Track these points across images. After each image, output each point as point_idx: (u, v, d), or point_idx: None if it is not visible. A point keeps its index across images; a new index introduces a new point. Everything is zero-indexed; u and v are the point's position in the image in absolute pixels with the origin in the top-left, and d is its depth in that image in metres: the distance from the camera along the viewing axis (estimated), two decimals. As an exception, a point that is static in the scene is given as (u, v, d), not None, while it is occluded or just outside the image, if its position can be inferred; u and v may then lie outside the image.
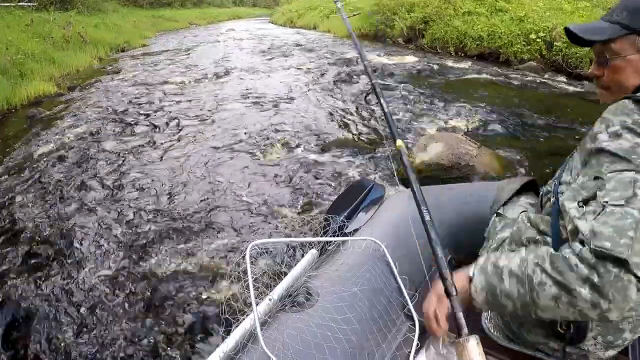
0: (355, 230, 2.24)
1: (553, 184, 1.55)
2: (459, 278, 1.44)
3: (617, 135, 1.19)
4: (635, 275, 1.09)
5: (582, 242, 1.17)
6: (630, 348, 1.70)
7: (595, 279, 1.11)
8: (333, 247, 2.13)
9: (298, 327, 1.63)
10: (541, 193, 1.74)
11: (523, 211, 1.81)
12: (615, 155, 1.18)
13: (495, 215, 1.96)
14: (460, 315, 1.35)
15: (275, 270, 3.44)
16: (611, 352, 1.49)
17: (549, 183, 1.65)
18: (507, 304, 1.31)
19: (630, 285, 1.09)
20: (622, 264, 1.09)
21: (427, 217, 1.60)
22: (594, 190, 1.21)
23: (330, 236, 2.16)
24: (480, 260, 1.44)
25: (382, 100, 2.10)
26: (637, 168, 1.14)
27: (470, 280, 1.42)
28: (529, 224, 1.63)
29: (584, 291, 1.13)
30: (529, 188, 2.06)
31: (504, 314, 1.49)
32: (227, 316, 1.67)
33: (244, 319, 1.66)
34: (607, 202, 1.16)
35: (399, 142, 1.88)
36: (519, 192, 2.01)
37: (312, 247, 2.06)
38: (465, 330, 1.32)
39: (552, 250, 1.26)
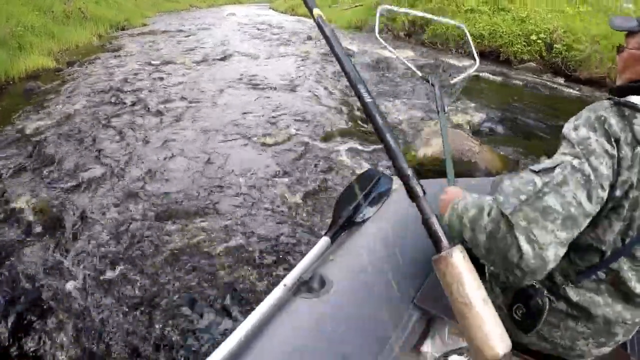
0: (364, 221, 2.26)
1: None
2: (451, 195, 1.54)
3: (577, 127, 1.26)
4: (517, 239, 1.15)
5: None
6: (629, 342, 1.75)
7: (488, 228, 1.22)
8: (345, 235, 2.15)
9: (312, 313, 1.66)
10: None
11: None
12: (569, 141, 1.25)
13: None
14: (434, 220, 1.12)
15: (289, 257, 3.51)
16: (606, 349, 1.53)
17: None
18: (457, 233, 1.38)
19: (512, 247, 1.16)
20: (510, 225, 1.16)
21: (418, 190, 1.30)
22: None
23: (341, 225, 2.19)
24: (455, 200, 1.46)
25: None
26: (576, 154, 1.21)
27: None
28: None
29: (482, 238, 1.24)
30: None
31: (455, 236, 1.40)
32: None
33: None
34: (530, 168, 1.26)
35: (316, 10, 1.58)
36: None
37: (324, 235, 2.09)
38: (444, 242, 1.10)
39: (485, 200, 1.32)
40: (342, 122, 6.86)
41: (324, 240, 2.04)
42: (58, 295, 3.25)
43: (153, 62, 11.26)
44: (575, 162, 1.19)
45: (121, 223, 4.12)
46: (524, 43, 11.55)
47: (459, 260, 1.04)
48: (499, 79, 9.99)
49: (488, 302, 0.99)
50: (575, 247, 1.30)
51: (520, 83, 9.68)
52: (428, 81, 2.56)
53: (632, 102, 1.23)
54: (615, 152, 1.20)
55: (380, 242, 2.07)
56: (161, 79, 9.53)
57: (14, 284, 3.37)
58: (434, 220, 1.10)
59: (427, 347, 1.89)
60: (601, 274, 1.36)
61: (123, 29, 18.15)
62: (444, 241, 1.09)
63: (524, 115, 7.32)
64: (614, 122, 1.21)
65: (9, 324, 2.98)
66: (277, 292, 1.73)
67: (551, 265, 1.15)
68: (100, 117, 7.03)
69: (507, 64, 11.49)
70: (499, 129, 6.58)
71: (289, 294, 1.76)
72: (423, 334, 1.91)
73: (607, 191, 1.20)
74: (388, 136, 1.22)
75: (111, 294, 3.27)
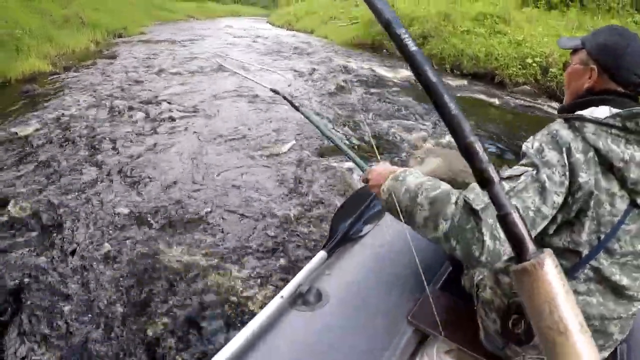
0: (361, 237, 2.29)
1: None
2: (382, 171, 1.60)
3: (533, 143, 1.40)
4: (483, 235, 1.23)
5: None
6: (619, 355, 1.78)
7: (456, 218, 1.27)
8: (341, 250, 2.17)
9: (308, 326, 1.68)
10: None
11: None
12: (527, 155, 1.39)
13: None
14: (516, 215, 0.80)
15: (285, 271, 3.51)
16: (605, 354, 1.62)
17: None
18: (396, 207, 1.45)
19: (477, 240, 1.24)
20: (479, 220, 1.24)
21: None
22: None
23: (338, 240, 2.20)
24: (399, 171, 1.54)
25: None
26: (534, 165, 1.34)
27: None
28: None
29: (444, 225, 1.29)
30: None
31: (395, 214, 1.50)
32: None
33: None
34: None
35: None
36: None
37: (321, 249, 2.10)
38: (530, 246, 0.79)
39: (448, 188, 1.40)
40: (341, 136, 6.87)
41: (321, 255, 2.06)
42: (51, 299, 3.23)
43: (149, 70, 11.29)
44: (534, 172, 1.33)
45: (115, 230, 4.11)
46: (520, 66, 11.62)
47: (551, 273, 0.78)
48: (493, 101, 10.05)
49: (585, 329, 0.77)
50: (555, 251, 1.37)
51: (515, 106, 9.75)
52: (277, 92, 2.75)
53: (579, 114, 1.40)
54: (565, 161, 1.33)
55: (376, 258, 2.10)
56: (156, 87, 9.55)
57: (5, 286, 3.35)
58: (515, 217, 0.81)
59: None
60: (589, 273, 1.44)
61: (120, 37, 18.21)
62: (530, 246, 0.79)
63: (516, 137, 7.36)
64: (564, 133, 1.37)
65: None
66: (274, 304, 1.75)
67: (505, 259, 1.26)
68: (94, 122, 7.03)
69: (501, 86, 11.55)
70: (493, 150, 6.63)
71: (285, 305, 1.78)
72: (415, 351, 1.92)
73: (562, 196, 1.33)
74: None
75: (104, 300, 3.25)
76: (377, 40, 17.45)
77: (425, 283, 2.05)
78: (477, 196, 1.28)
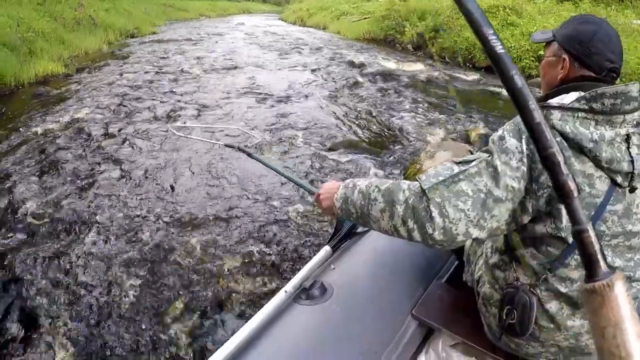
0: (366, 231, 2.29)
1: None
2: (332, 185, 1.70)
3: (498, 132, 1.45)
4: (431, 211, 1.32)
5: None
6: None
7: (410, 200, 1.37)
8: (346, 245, 2.17)
9: (311, 320, 1.68)
10: None
11: None
12: (490, 142, 1.45)
13: None
14: (591, 232, 0.81)
15: (289, 264, 3.51)
16: None
17: None
18: (352, 210, 1.56)
19: (428, 219, 1.33)
20: (427, 198, 1.33)
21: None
22: None
23: (342, 236, 2.21)
24: (347, 180, 1.66)
25: None
26: (492, 151, 1.40)
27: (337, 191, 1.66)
28: None
29: (399, 209, 1.38)
30: None
31: (352, 219, 1.61)
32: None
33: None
34: (452, 159, 1.44)
35: None
36: None
37: (326, 244, 2.11)
38: (603, 266, 0.79)
39: (397, 181, 1.50)
40: (349, 133, 6.88)
41: (326, 249, 2.06)
42: (60, 298, 3.26)
43: (162, 70, 11.34)
44: (489, 157, 1.38)
45: (126, 228, 4.14)
46: (532, 58, 11.53)
47: (621, 296, 0.76)
48: (505, 93, 9.95)
49: None
50: (542, 239, 1.43)
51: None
52: (232, 147, 2.99)
53: (546, 104, 1.43)
54: (523, 148, 1.36)
55: (381, 252, 2.09)
56: (170, 87, 9.59)
57: (18, 286, 3.38)
58: (591, 235, 0.81)
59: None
60: (579, 258, 1.40)
61: (132, 37, 18.33)
62: (602, 266, 0.79)
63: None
64: None
65: (14, 327, 3.01)
66: (278, 299, 1.76)
67: (461, 239, 1.34)
68: (108, 124, 7.06)
69: (514, 79, 11.42)
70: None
71: (289, 300, 1.78)
72: (420, 345, 1.92)
73: (518, 181, 1.35)
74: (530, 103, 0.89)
75: (113, 296, 3.29)
76: (389, 34, 17.41)
77: (430, 277, 2.07)
78: (427, 177, 1.37)
